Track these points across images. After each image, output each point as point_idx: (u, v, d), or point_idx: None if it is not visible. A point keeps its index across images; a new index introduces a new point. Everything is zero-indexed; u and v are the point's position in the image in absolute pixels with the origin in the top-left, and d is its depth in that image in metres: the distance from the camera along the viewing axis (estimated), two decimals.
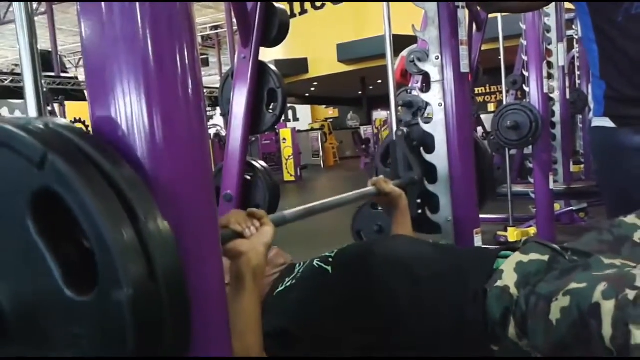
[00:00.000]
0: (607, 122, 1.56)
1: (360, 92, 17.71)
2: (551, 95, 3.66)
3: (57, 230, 0.56)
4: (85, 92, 0.68)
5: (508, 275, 1.01)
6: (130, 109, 0.62)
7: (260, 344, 0.94)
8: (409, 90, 2.75)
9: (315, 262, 1.22)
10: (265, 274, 0.95)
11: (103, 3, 0.62)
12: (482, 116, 8.18)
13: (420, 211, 1.81)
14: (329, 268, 1.18)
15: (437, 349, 1.05)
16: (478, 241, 1.79)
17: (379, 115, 17.31)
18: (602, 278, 0.87)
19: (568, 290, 0.88)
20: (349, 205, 1.49)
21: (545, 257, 1.04)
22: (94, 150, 0.57)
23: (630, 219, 1.11)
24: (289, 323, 1.11)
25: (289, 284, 1.22)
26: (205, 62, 17.51)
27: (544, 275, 0.99)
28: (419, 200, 1.81)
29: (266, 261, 0.95)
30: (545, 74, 3.26)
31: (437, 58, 1.75)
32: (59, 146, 0.55)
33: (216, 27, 16.92)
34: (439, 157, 1.77)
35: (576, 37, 5.32)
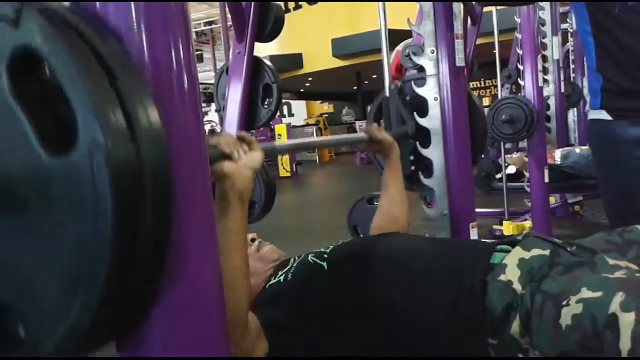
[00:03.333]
0: (603, 115, 1.57)
1: (355, 87, 17.69)
2: (546, 89, 3.66)
3: (34, 96, 0.55)
4: None
5: (511, 270, 1.01)
6: None
7: (246, 265, 0.94)
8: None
9: (310, 258, 1.22)
10: (249, 197, 0.95)
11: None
12: None
13: (413, 168, 1.82)
14: (324, 264, 1.18)
15: (433, 343, 1.05)
16: (474, 235, 1.80)
17: None
18: (616, 285, 0.87)
19: (582, 299, 0.87)
20: (338, 146, 1.50)
21: (547, 252, 1.04)
22: (78, 18, 0.55)
23: None
24: (282, 316, 1.10)
25: (282, 277, 1.21)
26: (200, 58, 17.45)
27: (547, 270, 0.99)
28: (411, 157, 1.81)
29: (252, 186, 0.96)
30: (540, 67, 3.26)
31: (432, 52, 1.75)
32: (37, 4, 0.53)
33: (210, 23, 16.85)
34: (435, 151, 1.77)
35: (571, 30, 5.32)
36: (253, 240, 1.39)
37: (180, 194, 0.63)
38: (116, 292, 0.55)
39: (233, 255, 0.90)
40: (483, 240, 1.54)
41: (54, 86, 0.52)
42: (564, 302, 0.89)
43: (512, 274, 1.00)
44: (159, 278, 0.62)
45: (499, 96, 3.78)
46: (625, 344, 0.79)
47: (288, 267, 1.25)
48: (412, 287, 1.09)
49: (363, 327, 1.10)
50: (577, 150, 3.78)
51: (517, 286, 0.98)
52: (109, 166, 0.52)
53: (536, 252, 1.04)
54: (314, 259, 1.21)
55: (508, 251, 1.09)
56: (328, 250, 1.23)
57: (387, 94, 1.86)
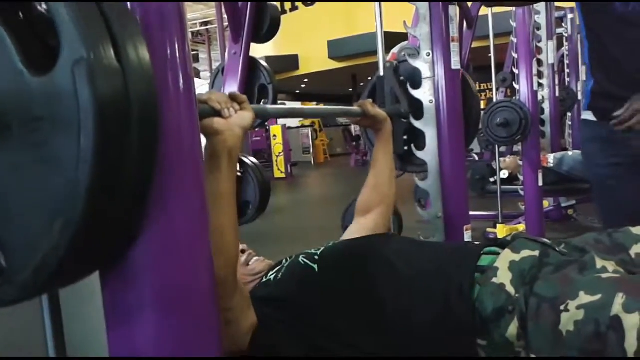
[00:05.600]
0: (589, 116, 1.66)
1: (351, 89, 17.69)
2: (541, 93, 3.68)
3: (19, 21, 0.55)
4: None
5: (503, 273, 1.01)
6: None
7: (234, 224, 0.95)
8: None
9: (301, 259, 1.22)
10: (237, 156, 0.96)
11: None
12: None
13: (406, 148, 1.82)
14: (315, 266, 1.18)
15: (421, 344, 1.05)
16: (468, 238, 1.80)
17: None
18: (614, 286, 0.87)
19: (583, 305, 0.87)
20: (331, 116, 1.52)
21: (536, 252, 1.04)
22: None
23: (638, 229, 1.10)
24: (272, 313, 1.10)
25: (272, 276, 1.22)
26: (196, 58, 17.43)
27: (537, 271, 0.99)
28: (405, 137, 1.82)
29: (241, 144, 0.96)
30: (535, 71, 3.28)
31: (428, 55, 1.75)
32: None
33: (206, 23, 16.83)
34: (430, 154, 1.77)
35: (566, 35, 5.35)
36: (243, 251, 1.38)
37: (167, 135, 0.63)
38: (97, 215, 0.54)
39: (221, 213, 0.90)
40: (472, 242, 1.55)
41: (42, 16, 0.53)
42: (562, 307, 0.89)
43: (504, 276, 1.00)
44: (143, 206, 0.61)
45: (494, 100, 3.80)
46: (631, 345, 0.81)
47: (279, 267, 1.25)
48: (399, 289, 1.09)
49: (351, 328, 1.10)
50: (571, 153, 3.80)
51: (510, 289, 0.98)
52: (92, 80, 0.51)
53: (526, 253, 1.04)
54: (304, 260, 1.21)
55: (496, 253, 1.09)
56: (319, 252, 1.23)
57: (382, 73, 1.86)
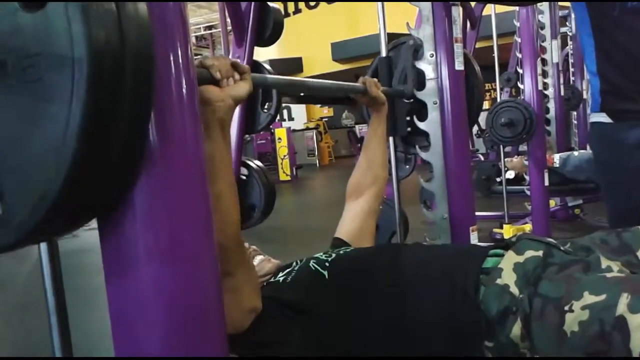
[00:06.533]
0: (603, 118, 1.56)
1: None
2: (545, 92, 3.66)
3: None
4: None
5: (507, 274, 1.01)
6: None
7: (231, 191, 0.96)
8: None
9: (311, 264, 1.22)
10: (230, 125, 0.97)
11: None
12: None
13: (409, 129, 1.83)
14: (325, 273, 1.18)
15: (428, 348, 1.05)
16: (474, 238, 1.80)
17: None
18: (619, 286, 0.87)
19: (587, 305, 0.87)
20: (333, 92, 1.53)
21: (540, 252, 1.04)
22: None
23: None
24: (281, 309, 1.11)
25: (281, 278, 1.22)
26: None
27: (541, 271, 0.99)
28: (408, 118, 1.82)
29: (232, 115, 0.97)
30: (539, 70, 3.27)
31: (431, 56, 1.75)
32: None
33: (210, 27, 16.88)
34: (435, 155, 1.77)
35: (570, 34, 5.33)
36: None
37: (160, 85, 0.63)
38: (91, 153, 0.54)
39: (217, 179, 0.91)
40: (479, 244, 1.54)
41: None
42: (567, 308, 0.89)
43: (508, 278, 1.00)
44: (139, 147, 0.61)
45: (499, 99, 3.79)
46: (636, 345, 0.80)
47: (289, 269, 1.25)
48: (407, 295, 1.09)
49: (359, 332, 1.10)
50: (576, 153, 3.78)
51: (514, 290, 0.98)
52: (85, 13, 0.51)
53: (529, 254, 1.04)
54: (315, 266, 1.21)
55: (501, 255, 1.09)
56: (330, 260, 1.23)
57: (383, 54, 1.87)
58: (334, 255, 1.25)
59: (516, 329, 0.95)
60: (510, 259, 1.04)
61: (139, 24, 0.57)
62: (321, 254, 1.27)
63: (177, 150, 0.66)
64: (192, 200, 0.69)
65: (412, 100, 1.80)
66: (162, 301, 0.65)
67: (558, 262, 1.00)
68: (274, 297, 1.14)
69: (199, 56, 1.06)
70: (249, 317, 1.05)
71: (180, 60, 0.67)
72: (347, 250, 1.35)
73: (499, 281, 1.00)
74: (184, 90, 0.67)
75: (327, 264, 1.21)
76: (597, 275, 0.93)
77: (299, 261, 1.28)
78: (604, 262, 0.96)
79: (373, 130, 1.61)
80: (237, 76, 0.97)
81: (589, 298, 0.87)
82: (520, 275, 1.00)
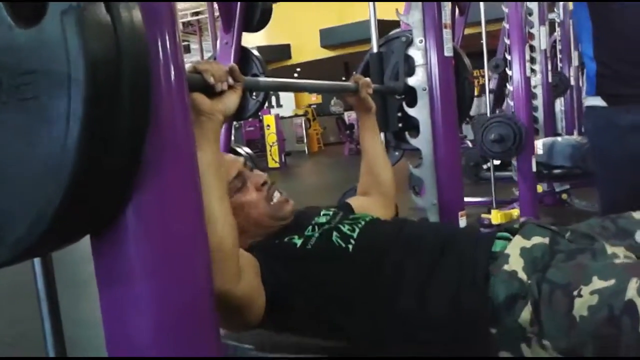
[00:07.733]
0: (598, 101, 1.56)
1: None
2: (533, 79, 3.68)
3: None
4: None
5: (514, 259, 1.01)
6: None
7: (223, 204, 0.92)
8: None
9: (334, 238, 1.15)
10: (218, 137, 0.96)
11: None
12: None
13: (400, 125, 1.84)
14: (350, 247, 1.13)
15: (434, 332, 1.04)
16: (463, 223, 1.81)
17: None
18: (627, 271, 0.87)
19: (596, 290, 0.87)
20: (325, 93, 1.50)
21: (546, 240, 1.04)
22: None
23: (639, 214, 1.10)
24: (289, 276, 1.08)
25: (298, 241, 1.15)
26: (187, 49, 17.31)
27: (549, 258, 1.00)
28: (399, 114, 1.82)
29: (220, 129, 0.96)
30: (527, 57, 3.28)
31: (420, 42, 1.75)
32: None
33: (197, 13, 16.70)
34: (424, 141, 1.77)
35: (558, 20, 5.34)
36: (264, 183, 1.24)
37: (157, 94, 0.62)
38: (88, 170, 0.54)
39: (205, 188, 0.86)
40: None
41: None
42: (576, 293, 0.89)
43: (515, 263, 1.00)
44: (135, 164, 0.60)
45: (487, 86, 3.80)
46: None
47: (307, 234, 1.17)
48: (427, 282, 1.06)
49: (368, 312, 1.08)
50: (560, 139, 3.80)
51: (522, 275, 0.98)
52: (81, 29, 0.51)
53: (536, 240, 1.04)
54: (339, 241, 1.14)
55: (508, 239, 1.08)
56: (355, 235, 1.15)
57: (375, 49, 1.87)
58: (358, 229, 1.18)
59: (526, 314, 0.94)
60: (517, 243, 1.04)
61: (135, 36, 0.56)
62: (344, 224, 1.20)
63: (172, 162, 0.66)
64: (189, 215, 0.69)
65: (403, 96, 1.79)
66: (156, 316, 0.65)
67: (564, 250, 1.01)
68: (286, 259, 1.11)
69: (186, 42, 1.05)
70: (260, 315, 1.03)
71: (172, 72, 0.67)
72: (370, 221, 1.25)
73: (506, 267, 1.00)
74: (175, 102, 0.67)
75: (352, 240, 1.14)
76: (605, 262, 0.93)
77: (317, 227, 1.20)
78: (610, 249, 0.97)
79: (367, 135, 1.55)
80: (230, 81, 0.96)
81: (598, 283, 0.88)
82: (528, 261, 1.00)
